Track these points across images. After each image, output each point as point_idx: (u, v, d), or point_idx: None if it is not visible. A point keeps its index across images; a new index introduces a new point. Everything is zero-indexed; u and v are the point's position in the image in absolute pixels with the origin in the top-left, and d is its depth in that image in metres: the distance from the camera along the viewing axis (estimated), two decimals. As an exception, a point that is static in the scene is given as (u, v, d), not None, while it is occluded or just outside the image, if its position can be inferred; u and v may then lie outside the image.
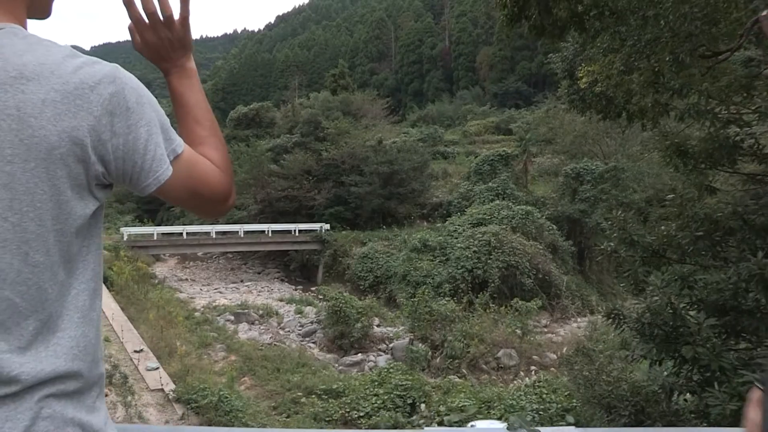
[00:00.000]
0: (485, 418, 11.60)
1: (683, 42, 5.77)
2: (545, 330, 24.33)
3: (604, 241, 7.32)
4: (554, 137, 41.52)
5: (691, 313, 5.84)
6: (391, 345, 22.21)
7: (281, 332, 24.66)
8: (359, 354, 21.67)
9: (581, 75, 8.57)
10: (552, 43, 8.74)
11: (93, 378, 1.10)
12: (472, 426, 2.97)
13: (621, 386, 6.28)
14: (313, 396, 15.84)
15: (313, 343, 23.39)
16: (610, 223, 7.10)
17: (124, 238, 34.29)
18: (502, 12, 7.60)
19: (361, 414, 14.55)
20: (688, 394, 5.87)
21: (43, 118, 0.99)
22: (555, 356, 20.11)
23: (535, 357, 20.48)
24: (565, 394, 11.80)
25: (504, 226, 28.60)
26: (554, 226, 30.80)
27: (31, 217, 1.00)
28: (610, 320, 6.50)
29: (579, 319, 25.97)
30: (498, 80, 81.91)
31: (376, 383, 16.15)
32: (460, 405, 12.69)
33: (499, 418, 11.87)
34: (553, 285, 26.89)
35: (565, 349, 19.17)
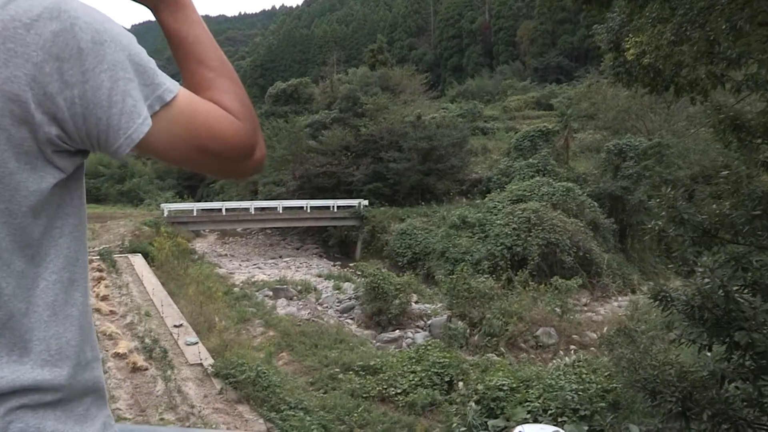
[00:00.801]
0: (523, 404, 11.43)
1: (742, 8, 5.44)
2: (585, 309, 24.00)
3: (647, 219, 7.05)
4: (596, 112, 40.69)
5: (746, 296, 5.56)
6: (429, 322, 22.11)
7: (319, 308, 24.74)
8: (397, 331, 21.63)
9: (628, 46, 8.21)
10: (597, 13, 8.39)
11: (79, 385, 0.91)
12: (520, 432, 2.79)
13: (667, 370, 6.02)
14: (351, 372, 15.85)
15: (351, 319, 23.42)
16: (657, 200, 6.80)
17: (165, 215, 34.66)
18: (544, -18, 7.29)
19: (399, 391, 14.53)
20: (740, 381, 5.61)
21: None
22: (595, 336, 19.82)
23: (574, 336, 20.21)
24: (606, 374, 11.55)
25: (544, 203, 28.22)
26: (595, 203, 30.26)
27: None
28: (657, 302, 6.24)
29: (620, 298, 25.56)
30: (539, 54, 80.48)
31: (414, 360, 16.09)
32: (497, 384, 12.52)
33: (538, 398, 11.70)
34: (593, 263, 26.47)
35: (605, 328, 18.85)
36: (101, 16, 0.88)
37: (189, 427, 10.65)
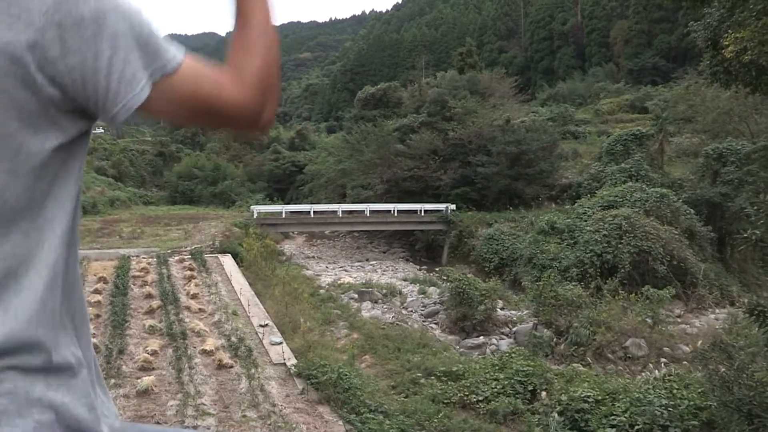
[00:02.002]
0: (609, 417, 11.06)
1: None
2: (678, 320, 23.04)
3: (748, 228, 6.66)
4: (694, 115, 39.14)
5: None
6: (514, 329, 21.76)
7: (404, 312, 24.75)
8: (481, 337, 21.37)
9: (727, 43, 7.82)
10: (695, 9, 8.02)
11: (70, 354, 0.92)
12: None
13: (766, 392, 5.67)
14: (433, 377, 15.74)
15: (435, 324, 23.32)
16: (756, 208, 6.42)
17: (254, 216, 35.56)
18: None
19: (480, 398, 14.32)
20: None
21: None
22: (688, 349, 18.95)
23: (666, 348, 19.42)
24: (699, 391, 11.01)
25: (636, 209, 27.30)
26: (692, 210, 29.03)
27: None
28: (753, 317, 5.89)
29: (717, 311, 24.40)
30: (633, 56, 78.14)
31: (497, 367, 15.83)
32: (582, 395, 12.16)
33: (625, 412, 11.29)
34: (688, 273, 25.40)
35: (700, 342, 18.00)
36: None
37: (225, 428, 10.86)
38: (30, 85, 0.83)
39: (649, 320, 20.26)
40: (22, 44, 0.81)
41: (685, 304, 24.75)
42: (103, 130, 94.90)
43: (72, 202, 0.94)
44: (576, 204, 31.89)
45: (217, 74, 0.97)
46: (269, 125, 1.06)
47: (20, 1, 0.82)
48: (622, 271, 24.70)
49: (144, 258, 23.69)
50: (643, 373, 16.94)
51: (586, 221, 28.10)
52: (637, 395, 11.70)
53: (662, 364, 17.93)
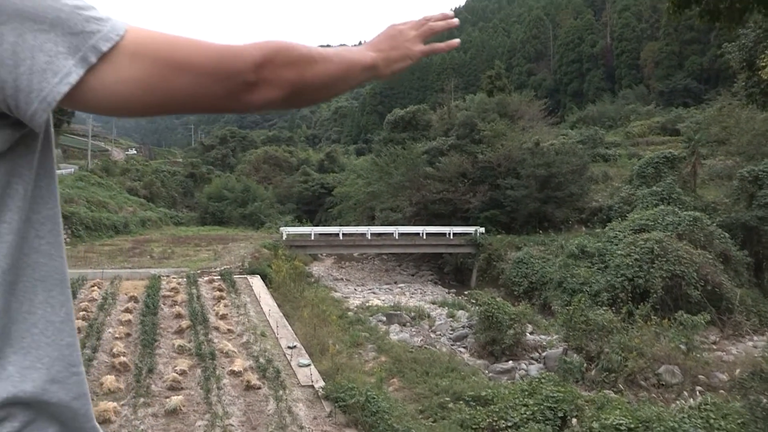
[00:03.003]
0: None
1: None
2: (714, 347, 22.51)
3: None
4: (728, 137, 38.60)
5: None
6: (544, 354, 21.46)
7: (432, 335, 24.57)
8: (510, 361, 21.10)
9: (763, 64, 7.70)
10: (728, 30, 7.90)
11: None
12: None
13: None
14: (461, 402, 15.55)
15: (463, 347, 23.11)
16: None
17: (284, 238, 35.72)
18: (669, -2, 6.93)
19: (509, 424, 14.11)
20: None
21: None
22: (725, 377, 18.52)
23: (701, 376, 18.96)
24: (738, 422, 10.72)
25: (669, 233, 26.89)
26: (726, 234, 28.49)
27: None
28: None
29: (755, 338, 23.81)
30: (664, 77, 77.51)
31: (527, 393, 15.60)
32: (614, 423, 11.91)
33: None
34: (723, 298, 24.88)
35: (738, 370, 17.57)
36: None
37: None
38: None
39: (683, 347, 19.83)
40: None
41: (721, 330, 24.22)
42: (135, 152, 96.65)
43: (11, 232, 0.79)
44: (606, 227, 31.53)
45: (179, 38, 0.81)
46: (266, 101, 0.88)
47: None
48: (655, 295, 24.30)
49: (174, 278, 23.87)
50: (677, 402, 16.56)
51: (617, 245, 27.74)
52: (672, 424, 11.43)
53: (698, 393, 17.51)
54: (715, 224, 28.86)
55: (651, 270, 25.01)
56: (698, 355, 19.83)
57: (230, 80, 0.82)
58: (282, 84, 0.87)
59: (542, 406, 14.54)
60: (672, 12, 6.96)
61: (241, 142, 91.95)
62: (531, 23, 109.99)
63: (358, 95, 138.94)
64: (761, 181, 30.59)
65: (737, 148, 37.65)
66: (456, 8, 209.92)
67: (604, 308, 23.13)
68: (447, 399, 15.92)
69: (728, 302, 24.86)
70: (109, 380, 12.83)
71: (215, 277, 24.36)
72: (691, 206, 31.42)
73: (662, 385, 18.39)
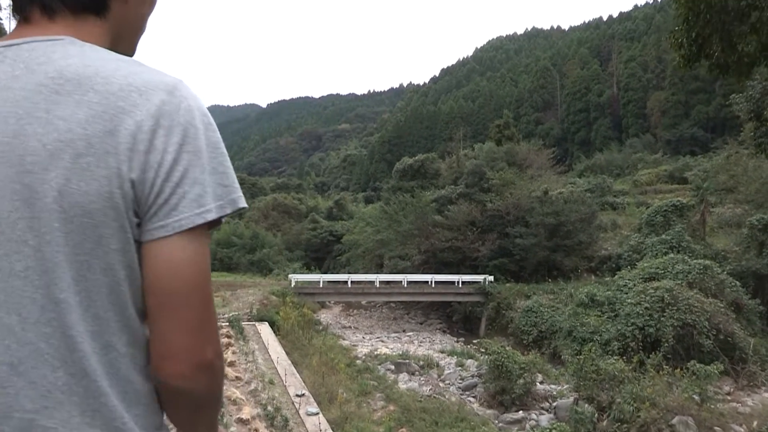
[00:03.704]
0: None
1: None
2: (728, 398, 22.15)
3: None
4: (736, 185, 38.62)
5: None
6: (554, 404, 21.20)
7: (441, 384, 24.35)
8: (520, 411, 20.85)
9: (770, 115, 7.81)
10: (736, 81, 8.04)
11: None
12: None
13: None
14: (472, 453, 15.38)
15: (473, 397, 22.88)
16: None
17: (292, 285, 35.67)
18: (678, 52, 7.08)
19: (521, 477, 13.91)
20: None
21: (73, 120, 0.86)
22: (742, 429, 18.23)
23: (716, 428, 18.65)
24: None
25: (679, 282, 26.72)
26: (737, 283, 28.30)
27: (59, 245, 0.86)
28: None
29: (772, 389, 23.45)
30: (671, 126, 78.01)
31: (538, 444, 15.42)
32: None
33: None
34: (737, 348, 24.56)
35: (755, 423, 17.32)
36: (204, 108, 0.95)
37: None
38: (118, 166, 0.87)
39: (696, 397, 19.54)
40: (123, 133, 0.88)
41: (735, 381, 23.86)
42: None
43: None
44: (616, 276, 31.39)
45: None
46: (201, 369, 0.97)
47: (128, 96, 0.89)
48: (666, 345, 24.04)
49: (183, 325, 23.81)
50: (691, 453, 16.28)
51: (626, 293, 27.59)
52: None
53: (713, 445, 17.22)
54: (725, 272, 28.68)
55: (662, 319, 24.81)
56: (713, 406, 19.53)
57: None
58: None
59: (554, 458, 14.34)
60: (681, 66, 7.11)
61: (251, 189, 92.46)
62: (538, 73, 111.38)
63: (367, 143, 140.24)
64: (771, 229, 30.52)
65: (746, 196, 37.63)
66: (464, 58, 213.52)
67: (615, 357, 22.88)
68: (457, 450, 15.73)
69: (742, 352, 24.54)
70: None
71: (223, 324, 24.33)
72: (701, 254, 31.27)
73: (676, 436, 18.09)
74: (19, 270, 0.85)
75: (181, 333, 0.91)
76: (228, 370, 18.17)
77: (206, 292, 0.94)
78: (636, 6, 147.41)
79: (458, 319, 38.32)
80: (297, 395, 16.86)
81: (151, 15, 1.13)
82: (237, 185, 0.96)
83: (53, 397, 0.85)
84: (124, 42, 1.06)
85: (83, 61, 0.89)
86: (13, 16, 0.98)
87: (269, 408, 15.27)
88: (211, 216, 0.91)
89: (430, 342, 33.30)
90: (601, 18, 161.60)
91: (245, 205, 0.98)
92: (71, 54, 0.90)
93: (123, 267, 0.89)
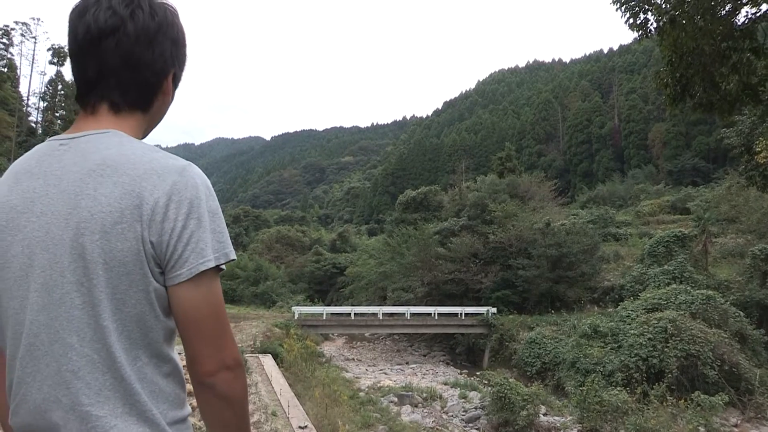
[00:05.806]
0: None
1: None
2: (735, 430, 22.01)
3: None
4: (738, 215, 38.76)
5: None
6: (558, 436, 21.11)
7: (444, 416, 24.23)
8: (524, 444, 20.75)
9: (759, 149, 8.00)
10: (723, 118, 8.24)
11: None
12: None
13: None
14: (475, 486, 15.30)
15: (476, 429, 22.76)
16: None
17: (295, 317, 35.67)
18: (665, 92, 7.31)
19: None
20: None
21: (112, 196, 1.22)
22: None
23: (723, 460, 18.56)
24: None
25: (682, 312, 26.69)
26: (741, 313, 28.22)
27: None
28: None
29: (779, 420, 23.25)
30: (672, 157, 78.42)
31: (541, 477, 15.34)
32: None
33: None
34: (742, 378, 24.39)
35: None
36: (208, 186, 1.32)
37: None
38: (140, 230, 1.23)
39: (701, 429, 19.47)
40: (145, 203, 1.24)
41: (742, 412, 23.67)
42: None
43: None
44: (619, 307, 31.31)
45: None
46: (222, 376, 1.32)
47: (150, 177, 1.25)
48: (670, 375, 23.92)
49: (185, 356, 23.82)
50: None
51: (629, 324, 27.53)
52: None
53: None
54: (728, 303, 28.62)
55: (665, 349, 24.74)
56: (718, 438, 19.43)
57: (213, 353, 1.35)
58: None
59: (557, 490, 14.28)
60: (669, 105, 7.33)
61: (255, 221, 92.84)
62: (540, 105, 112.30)
63: (371, 176, 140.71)
64: (774, 258, 30.54)
65: (748, 227, 37.72)
66: (466, 91, 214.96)
67: (619, 389, 22.80)
68: (460, 482, 15.65)
69: (748, 383, 24.36)
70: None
71: (227, 357, 24.27)
72: (704, 285, 31.24)
73: (680, 468, 17.99)
74: (78, 304, 1.22)
75: (204, 345, 1.29)
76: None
77: (219, 316, 1.31)
78: (636, 39, 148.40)
79: (461, 350, 38.18)
80: (300, 427, 16.81)
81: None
82: (229, 242, 1.33)
83: (103, 394, 1.21)
84: (155, 123, 1.48)
85: (120, 151, 1.27)
86: (76, 102, 1.41)
87: (272, 440, 15.24)
88: (211, 264, 1.27)
89: (433, 374, 33.15)
90: (601, 50, 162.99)
91: (234, 257, 1.35)
92: (112, 145, 1.28)
93: (147, 303, 1.25)
